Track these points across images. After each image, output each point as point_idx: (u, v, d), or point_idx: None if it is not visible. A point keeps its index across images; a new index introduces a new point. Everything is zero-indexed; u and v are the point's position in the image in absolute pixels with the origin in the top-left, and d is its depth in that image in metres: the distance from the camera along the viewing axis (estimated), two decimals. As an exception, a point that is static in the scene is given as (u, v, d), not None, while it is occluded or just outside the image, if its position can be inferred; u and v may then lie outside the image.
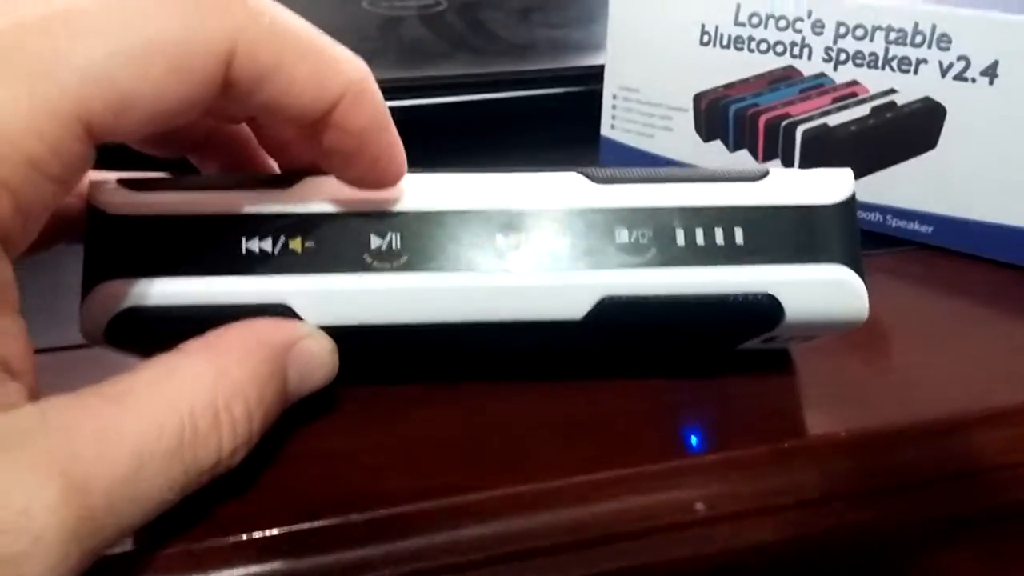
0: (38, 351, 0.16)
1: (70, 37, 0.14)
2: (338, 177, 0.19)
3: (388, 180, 0.19)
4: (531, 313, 0.19)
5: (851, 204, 0.20)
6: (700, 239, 0.19)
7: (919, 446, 0.22)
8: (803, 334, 0.22)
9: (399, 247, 0.19)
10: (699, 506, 0.21)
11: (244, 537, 0.18)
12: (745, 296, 0.19)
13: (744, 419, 0.22)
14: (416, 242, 0.19)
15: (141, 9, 0.14)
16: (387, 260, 0.19)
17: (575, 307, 0.19)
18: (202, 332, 0.18)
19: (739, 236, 0.20)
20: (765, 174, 0.20)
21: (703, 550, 0.21)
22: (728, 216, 0.20)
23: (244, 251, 0.19)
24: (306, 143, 0.18)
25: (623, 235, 0.19)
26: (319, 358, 0.19)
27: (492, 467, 0.20)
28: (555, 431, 0.22)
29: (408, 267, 0.19)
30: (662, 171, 0.20)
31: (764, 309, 0.20)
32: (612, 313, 0.19)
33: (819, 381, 0.24)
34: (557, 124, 0.38)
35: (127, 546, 0.18)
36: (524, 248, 0.19)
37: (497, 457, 0.21)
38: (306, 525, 0.19)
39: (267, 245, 0.19)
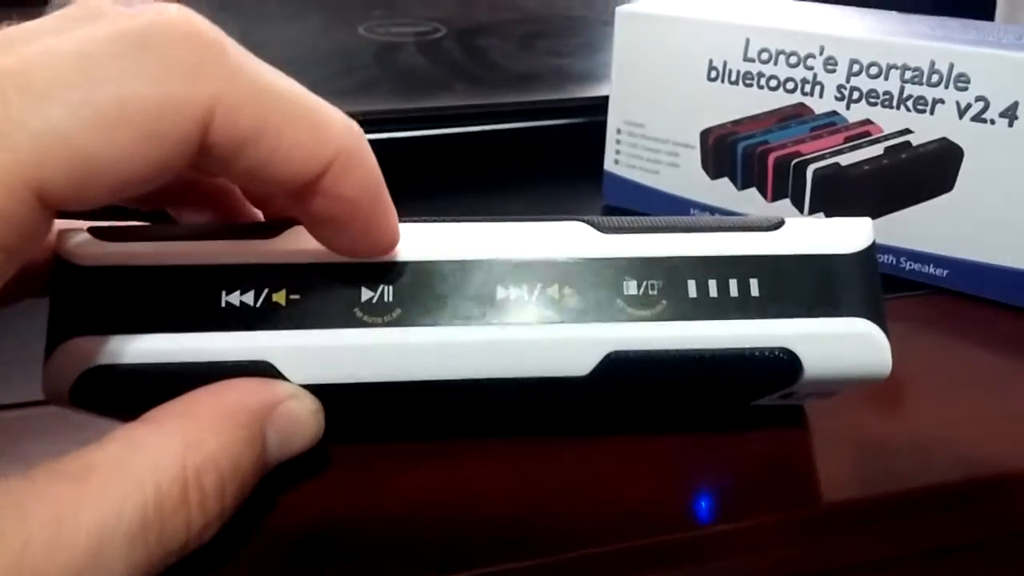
0: (4, 407, 0.15)
1: (28, 97, 0.13)
2: (326, 246, 0.17)
3: (379, 250, 0.17)
4: (533, 370, 0.18)
5: (871, 253, 0.19)
6: (713, 291, 0.18)
7: (942, 512, 0.21)
8: (822, 390, 0.21)
9: (391, 300, 0.18)
10: (712, 581, 0.19)
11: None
12: (761, 351, 0.18)
13: (757, 484, 0.21)
14: (410, 295, 0.18)
15: (109, 68, 0.13)
16: (378, 314, 0.18)
17: (580, 363, 0.18)
18: (178, 392, 0.17)
19: (754, 288, 0.18)
20: (781, 223, 0.19)
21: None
22: (743, 267, 0.19)
23: (224, 304, 0.17)
24: (292, 204, 0.17)
25: (631, 287, 0.18)
26: (303, 421, 0.18)
27: (495, 538, 0.19)
28: (555, 500, 0.20)
29: (401, 322, 0.18)
30: (672, 220, 0.19)
31: (781, 365, 0.18)
32: (620, 369, 0.18)
33: (835, 440, 0.23)
34: (559, 157, 0.38)
35: None
36: (525, 301, 0.18)
37: (494, 530, 0.20)
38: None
39: (249, 299, 0.17)
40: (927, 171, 0.28)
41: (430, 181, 0.35)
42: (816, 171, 0.30)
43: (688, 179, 0.33)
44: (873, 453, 0.22)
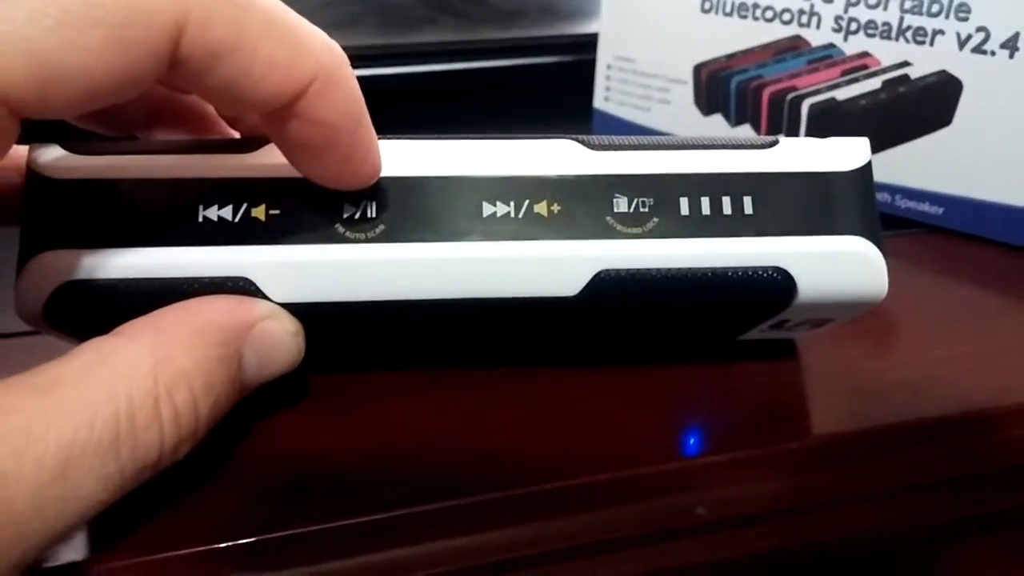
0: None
1: None
2: (303, 173, 0.16)
3: (358, 181, 0.17)
4: (520, 289, 0.17)
5: (868, 172, 0.18)
6: (706, 208, 0.18)
7: (933, 444, 0.21)
8: (816, 316, 0.20)
9: (375, 215, 0.17)
10: (700, 511, 0.19)
11: (202, 548, 0.17)
12: (755, 270, 0.18)
13: (749, 417, 0.21)
14: (394, 210, 0.17)
15: None
16: (361, 230, 0.17)
17: (569, 282, 0.17)
18: (155, 308, 0.16)
19: (748, 206, 0.18)
20: (776, 142, 0.19)
21: (706, 557, 0.19)
22: (736, 184, 0.18)
23: (201, 219, 0.17)
24: (268, 126, 0.16)
25: (622, 204, 0.18)
26: (281, 341, 0.17)
27: (482, 470, 0.19)
28: (545, 430, 0.20)
29: (384, 238, 0.17)
30: (663, 139, 0.19)
31: (775, 285, 0.18)
32: (609, 289, 0.17)
33: (826, 375, 0.22)
34: (547, 95, 0.37)
35: (78, 555, 0.16)
36: (512, 218, 0.17)
37: (484, 460, 0.19)
38: (266, 536, 0.17)
39: (227, 213, 0.17)
40: (925, 105, 0.27)
41: (414, 119, 0.34)
42: (812, 106, 0.29)
43: (680, 116, 0.32)
44: (865, 387, 0.22)
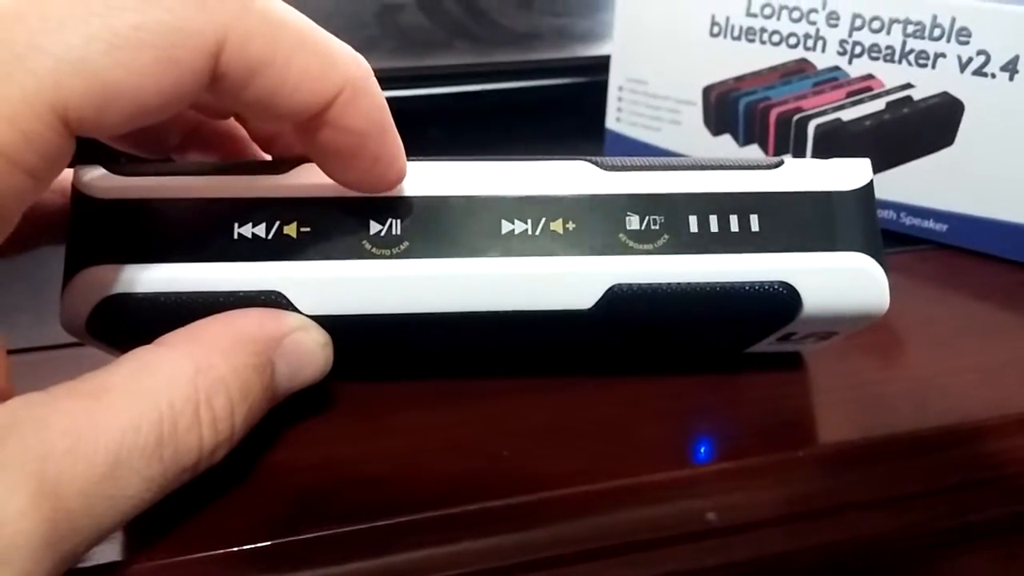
0: (16, 351, 0.15)
1: (47, 23, 0.13)
2: (334, 179, 0.18)
3: (386, 184, 0.18)
4: (537, 303, 0.18)
5: (870, 191, 0.19)
6: (714, 226, 0.19)
7: (937, 453, 0.22)
8: (820, 330, 0.21)
9: (399, 233, 0.18)
10: (711, 516, 0.20)
11: (235, 549, 0.18)
12: (761, 285, 0.18)
13: (757, 426, 0.21)
14: (418, 228, 0.18)
15: None
16: (387, 246, 0.18)
17: (584, 296, 0.18)
18: (192, 320, 0.17)
19: (755, 223, 0.19)
20: (780, 162, 0.20)
21: (715, 561, 0.20)
22: (743, 203, 0.19)
23: (236, 236, 0.18)
24: (301, 137, 0.17)
25: (634, 222, 0.19)
26: (311, 352, 0.18)
27: (497, 476, 0.20)
28: (561, 438, 0.21)
29: (409, 254, 0.18)
30: (673, 160, 0.20)
31: (781, 299, 0.19)
32: (622, 303, 0.18)
33: (833, 386, 0.23)
34: (560, 116, 0.38)
35: (117, 556, 0.17)
36: (530, 235, 0.18)
37: (500, 466, 0.20)
38: (295, 537, 0.18)
39: (260, 231, 0.18)
40: (928, 125, 0.28)
41: (431, 140, 0.35)
42: (818, 126, 0.30)
43: (690, 136, 0.33)
44: (870, 398, 0.22)
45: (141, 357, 0.16)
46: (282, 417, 0.21)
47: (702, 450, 0.21)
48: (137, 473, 0.14)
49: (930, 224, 0.29)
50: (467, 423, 0.21)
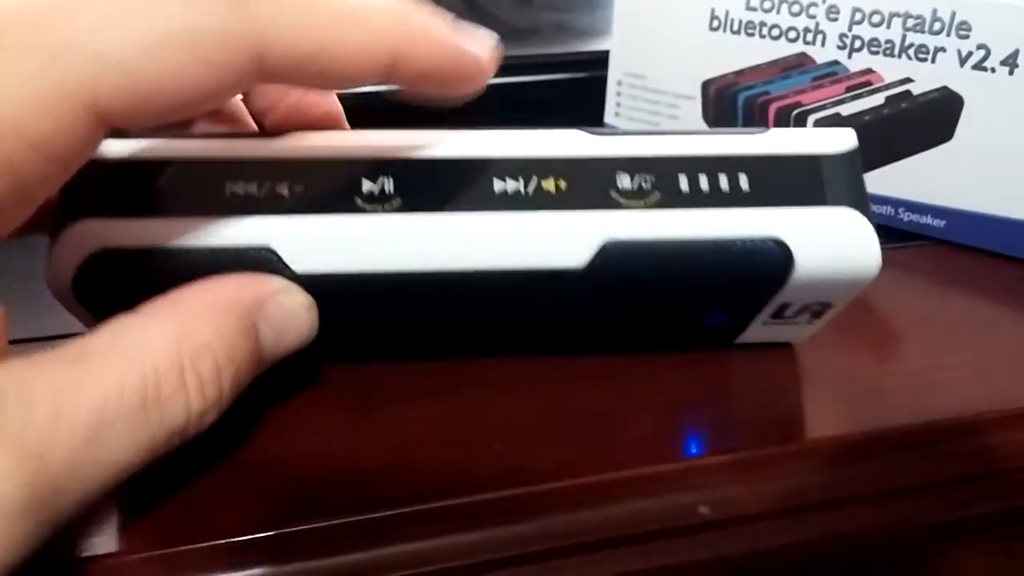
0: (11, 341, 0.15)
1: (89, 20, 0.13)
2: (437, 103, 0.18)
3: (478, 83, 0.18)
4: (530, 259, 0.18)
5: (855, 156, 0.20)
6: (704, 184, 0.19)
7: (931, 448, 0.22)
8: (813, 299, 0.21)
9: (392, 191, 0.18)
10: (703, 510, 0.20)
11: (225, 541, 0.18)
12: (753, 241, 0.19)
13: (750, 420, 0.21)
14: (410, 187, 0.18)
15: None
16: (379, 203, 0.18)
17: (577, 253, 0.18)
18: (180, 280, 0.17)
19: (744, 182, 0.19)
20: (767, 130, 0.20)
21: (707, 555, 0.20)
22: (732, 164, 0.19)
23: (228, 194, 0.18)
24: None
25: (625, 180, 0.19)
26: (295, 315, 0.18)
27: (486, 469, 0.20)
28: (553, 431, 0.21)
29: (401, 210, 0.18)
30: (662, 130, 0.20)
31: (774, 256, 0.19)
32: (615, 260, 0.18)
33: (828, 380, 0.23)
34: (559, 111, 0.37)
35: (113, 548, 0.17)
36: (522, 193, 0.18)
37: (492, 459, 0.20)
38: (285, 530, 0.18)
39: (252, 188, 0.18)
40: (927, 120, 0.28)
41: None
42: (817, 122, 0.30)
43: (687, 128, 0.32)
44: (864, 393, 0.22)
45: (122, 323, 0.15)
46: (272, 408, 0.21)
47: (695, 444, 0.21)
48: (121, 438, 0.14)
49: (928, 220, 0.29)
50: (459, 416, 0.21)
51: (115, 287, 0.17)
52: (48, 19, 0.13)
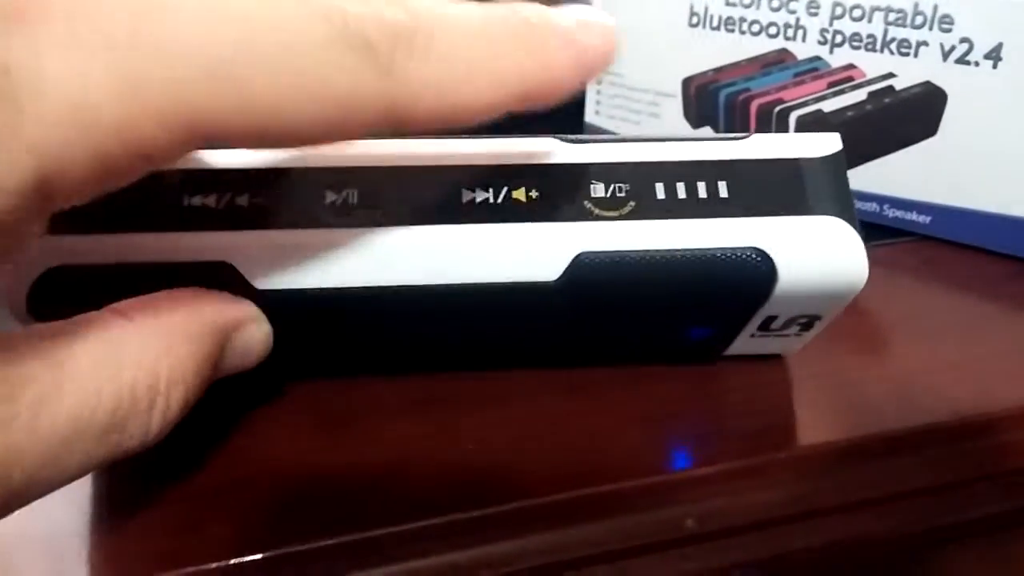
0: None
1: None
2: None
3: (585, 83, 0.17)
4: (501, 273, 0.17)
5: (840, 160, 0.19)
6: (681, 192, 0.18)
7: (920, 453, 0.21)
8: (800, 311, 0.20)
9: (355, 202, 0.17)
10: (690, 523, 0.19)
11: (211, 566, 0.17)
12: (733, 252, 0.18)
13: (737, 429, 0.21)
14: (375, 197, 0.17)
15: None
16: (343, 216, 0.17)
17: (549, 266, 0.17)
18: (135, 295, 0.16)
19: (723, 190, 0.18)
20: (747, 135, 0.19)
21: (695, 567, 0.19)
22: (710, 170, 0.18)
23: (185, 205, 0.17)
24: None
25: (599, 189, 0.18)
26: (258, 346, 0.17)
27: (473, 486, 0.19)
28: (536, 446, 0.20)
29: (365, 223, 0.17)
30: (639, 136, 0.19)
31: (755, 267, 0.18)
32: (589, 273, 0.18)
33: (814, 386, 0.22)
34: (537, 110, 0.37)
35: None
36: (492, 204, 0.18)
37: (478, 475, 0.19)
38: (271, 552, 0.17)
39: (211, 200, 0.17)
40: (911, 116, 0.28)
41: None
42: (799, 118, 0.29)
43: (670, 129, 0.32)
44: (852, 397, 0.22)
45: (105, 326, 0.15)
46: (241, 428, 0.20)
47: (681, 455, 0.20)
48: (84, 452, 0.14)
49: (913, 216, 0.29)
50: (444, 432, 0.20)
51: (71, 304, 0.17)
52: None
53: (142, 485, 0.19)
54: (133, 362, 0.14)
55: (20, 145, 0.11)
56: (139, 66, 0.11)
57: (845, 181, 0.19)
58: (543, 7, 0.16)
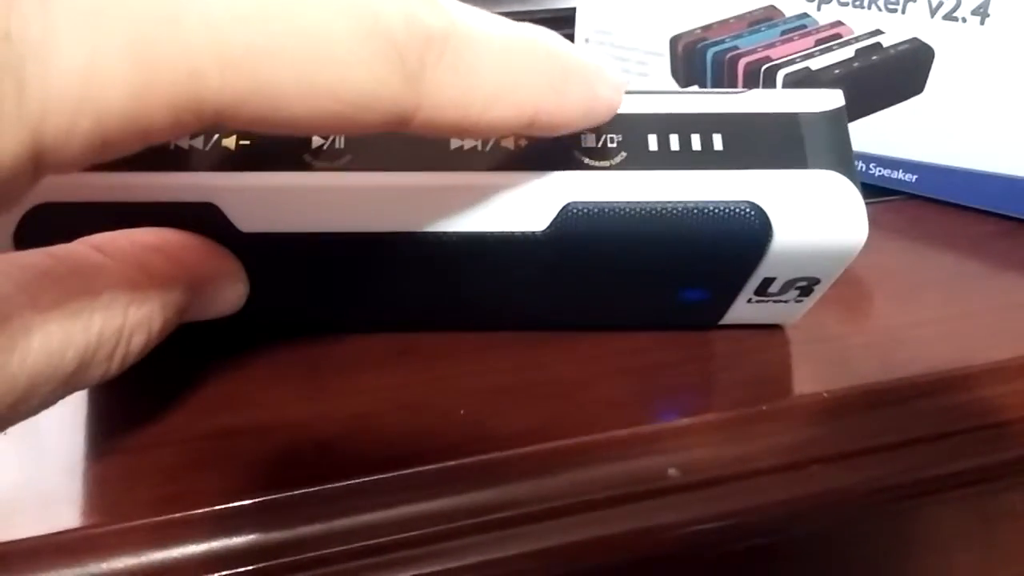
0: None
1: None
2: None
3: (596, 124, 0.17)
4: (486, 222, 0.17)
5: (841, 116, 0.18)
6: (675, 144, 0.18)
7: (900, 406, 0.21)
8: (798, 273, 0.19)
9: (342, 147, 0.17)
10: (672, 472, 0.19)
11: (181, 515, 0.17)
12: (726, 205, 0.17)
13: (719, 381, 0.21)
14: (361, 142, 0.17)
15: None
16: (329, 160, 0.17)
17: (537, 215, 0.17)
18: None
19: (718, 142, 0.18)
20: (746, 90, 0.19)
21: (676, 518, 0.20)
22: (705, 122, 0.18)
23: (172, 147, 0.17)
24: None
25: (589, 139, 0.18)
26: (225, 304, 0.17)
27: (452, 436, 0.19)
28: (522, 394, 0.20)
29: (351, 167, 0.17)
30: (634, 88, 0.18)
31: (748, 223, 0.17)
32: (577, 224, 0.17)
33: (797, 340, 0.23)
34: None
35: (83, 522, 0.17)
36: (480, 151, 0.17)
37: (458, 425, 0.19)
38: (244, 502, 0.17)
39: (198, 142, 0.17)
40: (898, 73, 0.28)
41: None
42: (787, 76, 0.29)
43: (658, 87, 0.32)
44: (835, 352, 0.22)
45: (82, 261, 0.15)
46: (229, 379, 0.20)
47: (663, 406, 0.20)
48: (41, 396, 0.13)
49: (900, 175, 0.29)
50: (421, 383, 0.20)
51: (56, 242, 0.17)
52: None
53: (130, 433, 0.19)
54: (104, 306, 0.14)
55: (17, 121, 0.10)
56: (156, 51, 0.11)
57: (846, 137, 0.18)
58: (565, 40, 0.15)
